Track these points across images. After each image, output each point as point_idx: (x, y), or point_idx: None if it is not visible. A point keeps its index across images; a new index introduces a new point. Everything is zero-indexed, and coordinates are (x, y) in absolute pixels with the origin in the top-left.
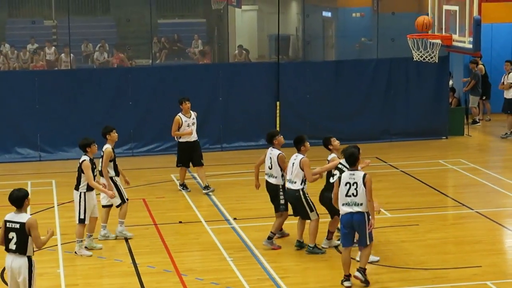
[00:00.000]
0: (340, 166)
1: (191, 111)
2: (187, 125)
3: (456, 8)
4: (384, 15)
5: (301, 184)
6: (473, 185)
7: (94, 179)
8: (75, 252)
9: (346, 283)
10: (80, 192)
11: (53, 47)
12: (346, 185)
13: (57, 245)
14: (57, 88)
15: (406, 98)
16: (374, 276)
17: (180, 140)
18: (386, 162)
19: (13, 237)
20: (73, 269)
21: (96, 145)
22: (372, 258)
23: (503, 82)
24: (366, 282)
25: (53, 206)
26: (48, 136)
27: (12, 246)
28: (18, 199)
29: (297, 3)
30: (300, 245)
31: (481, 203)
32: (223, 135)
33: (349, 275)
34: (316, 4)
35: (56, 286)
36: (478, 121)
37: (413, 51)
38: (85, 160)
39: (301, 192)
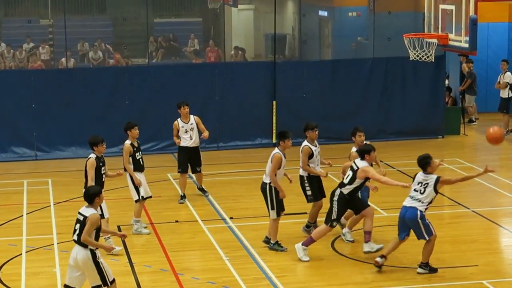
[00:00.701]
0: (354, 165)
1: (190, 116)
2: (184, 131)
3: (452, 7)
4: (381, 14)
5: (268, 177)
6: (469, 184)
7: (103, 177)
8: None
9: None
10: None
11: (47, 47)
12: (418, 184)
13: (53, 244)
14: (54, 87)
15: (403, 97)
16: (370, 275)
17: (180, 144)
18: (382, 161)
19: (77, 229)
20: None
21: (105, 145)
22: (374, 246)
23: (499, 81)
24: (432, 270)
25: (49, 205)
26: (44, 135)
27: (75, 237)
28: (89, 196)
29: (293, 3)
30: (267, 241)
31: (477, 202)
32: (219, 134)
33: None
34: (312, 4)
35: (52, 285)
36: (474, 120)
37: (409, 51)
38: (90, 158)
39: (267, 186)
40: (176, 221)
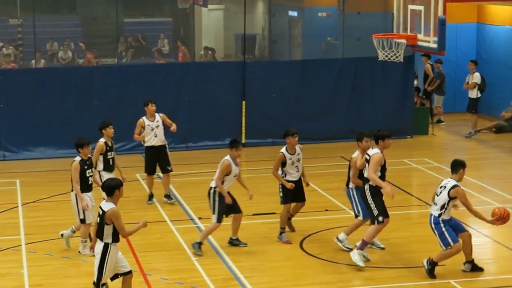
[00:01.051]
0: (367, 156)
1: (156, 114)
2: (150, 129)
3: (421, 8)
4: (350, 14)
5: (215, 182)
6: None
7: (89, 180)
8: (79, 252)
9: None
10: (76, 193)
11: (11, 48)
12: (439, 187)
13: (20, 245)
14: (22, 87)
15: (372, 97)
16: (338, 275)
17: (146, 144)
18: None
19: (98, 222)
20: (37, 269)
21: (90, 147)
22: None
23: (468, 82)
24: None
25: (17, 206)
26: (12, 135)
27: (96, 230)
28: (109, 188)
29: (263, 3)
30: (231, 242)
31: None
32: (188, 135)
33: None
34: (282, 4)
35: (19, 286)
36: (442, 120)
37: (378, 51)
38: (74, 161)
39: (211, 190)
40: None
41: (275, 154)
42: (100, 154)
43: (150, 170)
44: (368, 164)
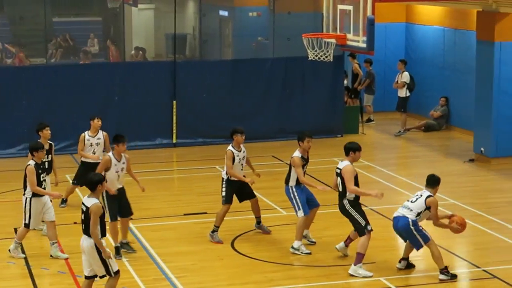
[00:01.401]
0: (337, 170)
1: (100, 131)
2: (89, 145)
3: (351, 7)
4: (281, 14)
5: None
6: (367, 182)
7: (42, 184)
8: (9, 250)
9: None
10: (26, 198)
11: None
12: (415, 195)
13: None
14: None
15: (302, 97)
16: (269, 274)
17: (82, 159)
18: (282, 161)
19: (82, 218)
20: None
21: (45, 150)
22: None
23: (397, 81)
24: (453, 276)
25: None
26: None
27: (82, 226)
28: (92, 183)
29: (193, 2)
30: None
31: (374, 200)
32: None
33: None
34: (213, 3)
35: None
36: (372, 119)
37: (308, 50)
38: (29, 164)
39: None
40: (75, 223)
41: (207, 154)
42: None
43: (78, 182)
44: (340, 178)
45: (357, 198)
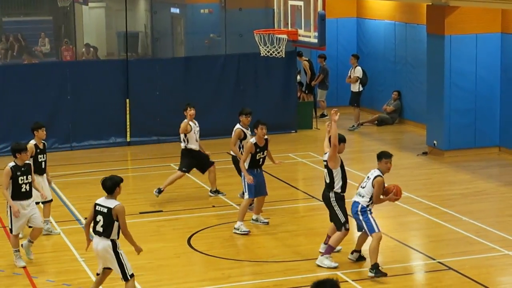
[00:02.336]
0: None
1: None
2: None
3: (301, 3)
4: (232, 11)
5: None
6: (322, 177)
7: (22, 188)
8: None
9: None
10: (7, 202)
11: None
12: (366, 178)
13: None
14: None
15: (256, 93)
16: (227, 271)
17: (188, 146)
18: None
19: (100, 220)
20: None
21: (27, 153)
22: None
23: (350, 76)
24: (382, 274)
25: None
26: None
27: (99, 228)
28: (110, 187)
29: (145, 0)
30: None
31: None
32: (72, 134)
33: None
34: (164, 1)
35: None
36: (326, 114)
37: (260, 47)
38: (7, 166)
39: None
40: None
41: (161, 152)
42: (31, 157)
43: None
44: (328, 170)
45: (343, 192)
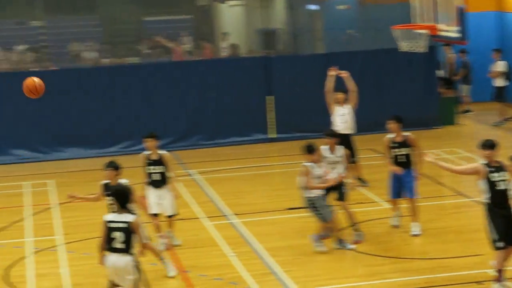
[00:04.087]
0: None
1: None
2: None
3: None
4: (368, 6)
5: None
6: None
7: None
8: None
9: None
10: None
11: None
12: None
13: (56, 245)
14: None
15: (394, 89)
16: (375, 268)
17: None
18: (380, 153)
19: (117, 237)
20: (77, 268)
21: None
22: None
23: (492, 70)
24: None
25: (50, 207)
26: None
27: (119, 245)
28: (124, 200)
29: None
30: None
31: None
32: (216, 130)
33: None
34: None
35: (58, 286)
36: (470, 110)
37: (400, 42)
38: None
39: None
40: None
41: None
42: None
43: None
44: None
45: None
